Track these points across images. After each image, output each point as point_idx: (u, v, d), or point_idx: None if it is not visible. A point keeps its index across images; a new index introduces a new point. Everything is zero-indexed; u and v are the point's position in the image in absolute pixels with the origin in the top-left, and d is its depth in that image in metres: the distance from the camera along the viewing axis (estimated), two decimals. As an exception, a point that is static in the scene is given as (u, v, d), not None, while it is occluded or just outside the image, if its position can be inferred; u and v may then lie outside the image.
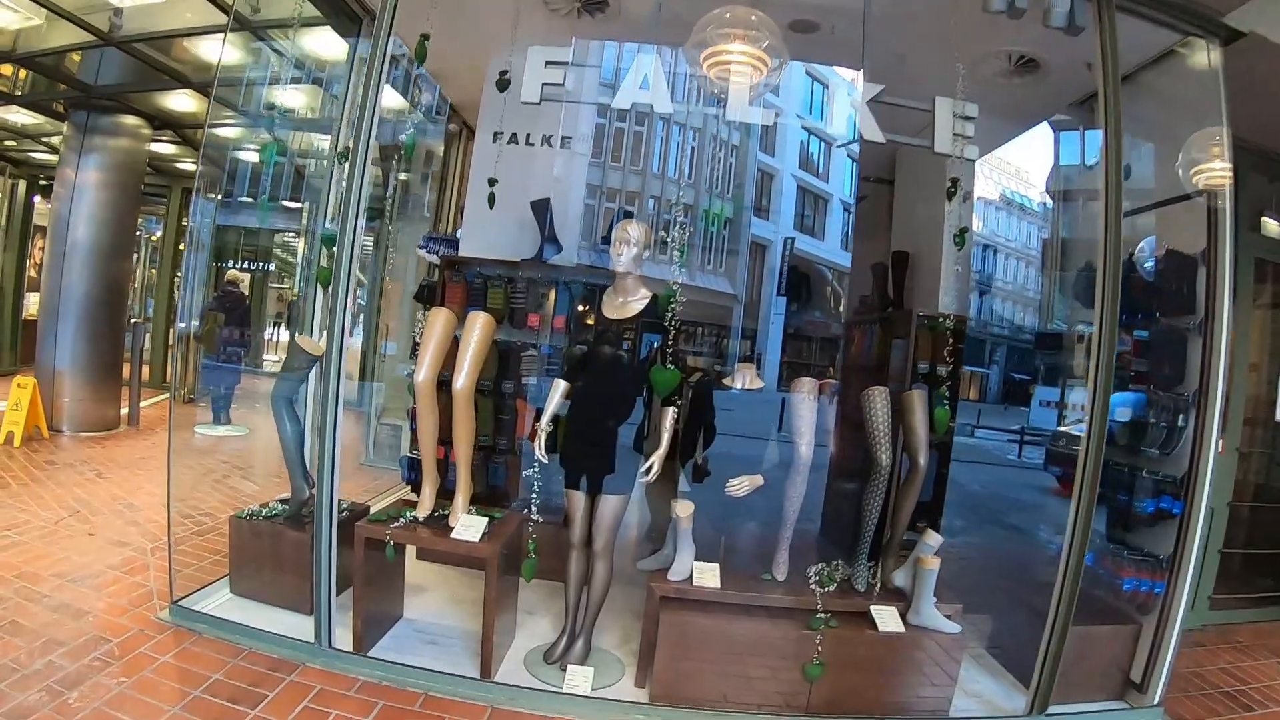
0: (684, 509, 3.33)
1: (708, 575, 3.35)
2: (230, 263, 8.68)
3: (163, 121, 7.74)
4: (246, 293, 8.47)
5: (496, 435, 4.42)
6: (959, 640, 3.35)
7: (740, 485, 3.29)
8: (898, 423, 3.48)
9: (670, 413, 3.26)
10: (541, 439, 3.32)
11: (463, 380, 3.27)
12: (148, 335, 9.61)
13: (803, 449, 3.32)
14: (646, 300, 3.30)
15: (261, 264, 10.23)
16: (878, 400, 3.43)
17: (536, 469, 3.36)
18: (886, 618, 3.33)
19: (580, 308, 4.27)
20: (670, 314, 3.21)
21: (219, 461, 6.57)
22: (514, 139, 4.77)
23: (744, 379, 3.48)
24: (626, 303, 3.31)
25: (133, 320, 8.94)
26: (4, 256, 10.15)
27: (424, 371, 3.29)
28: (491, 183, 3.96)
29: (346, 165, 3.22)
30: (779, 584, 3.45)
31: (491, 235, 4.66)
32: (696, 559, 3.39)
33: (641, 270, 3.34)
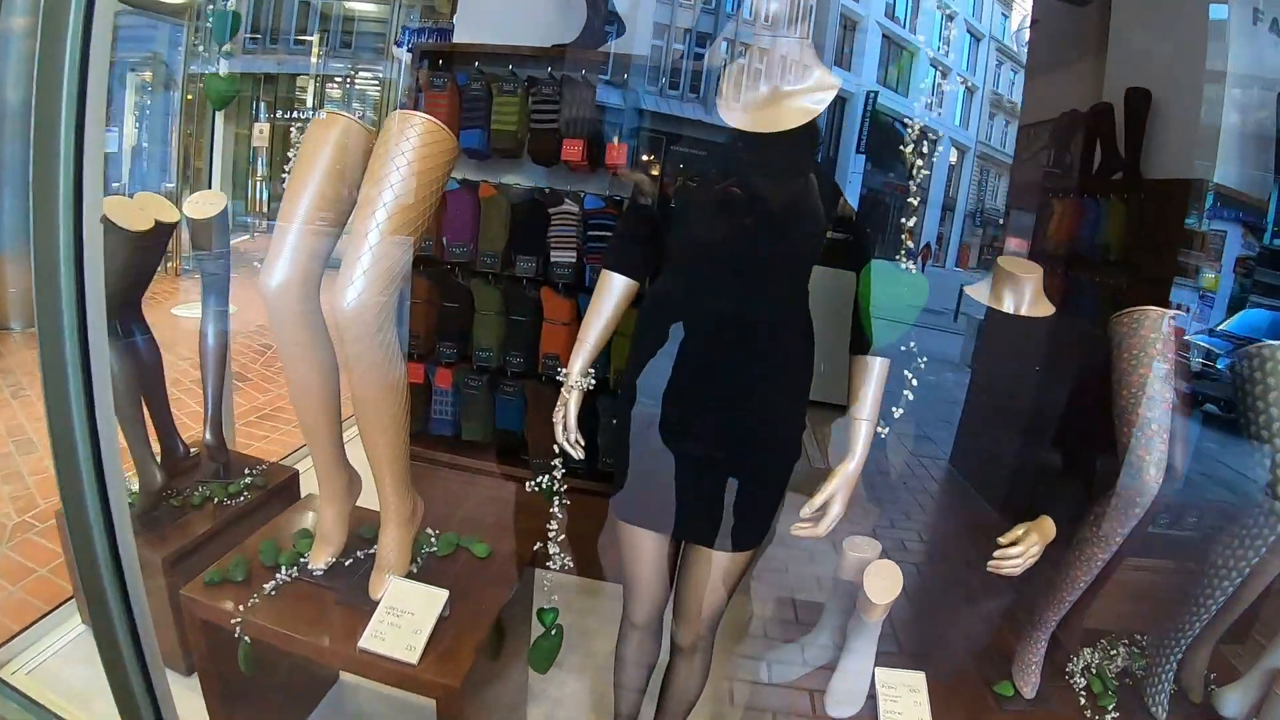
0: (880, 585, 1.39)
1: (912, 711, 1.48)
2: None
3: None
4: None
5: (506, 348, 2.49)
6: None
7: (1024, 552, 1.35)
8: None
9: (881, 369, 1.33)
10: (569, 411, 1.41)
11: (356, 289, 1.27)
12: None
13: (1150, 471, 1.35)
14: (831, 93, 1.24)
15: (282, 113, 8.20)
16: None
17: (558, 473, 1.45)
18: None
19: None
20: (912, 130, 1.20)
21: (180, 359, 4.74)
22: None
23: (1020, 297, 1.43)
24: (780, 97, 1.26)
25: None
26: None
27: (280, 266, 1.32)
28: None
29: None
30: (1024, 705, 1.61)
31: (503, 11, 2.53)
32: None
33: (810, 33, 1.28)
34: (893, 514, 2.19)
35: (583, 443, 1.41)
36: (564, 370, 1.41)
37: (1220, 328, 3.82)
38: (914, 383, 1.27)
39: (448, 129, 1.33)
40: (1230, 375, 1.58)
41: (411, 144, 1.29)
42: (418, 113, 1.30)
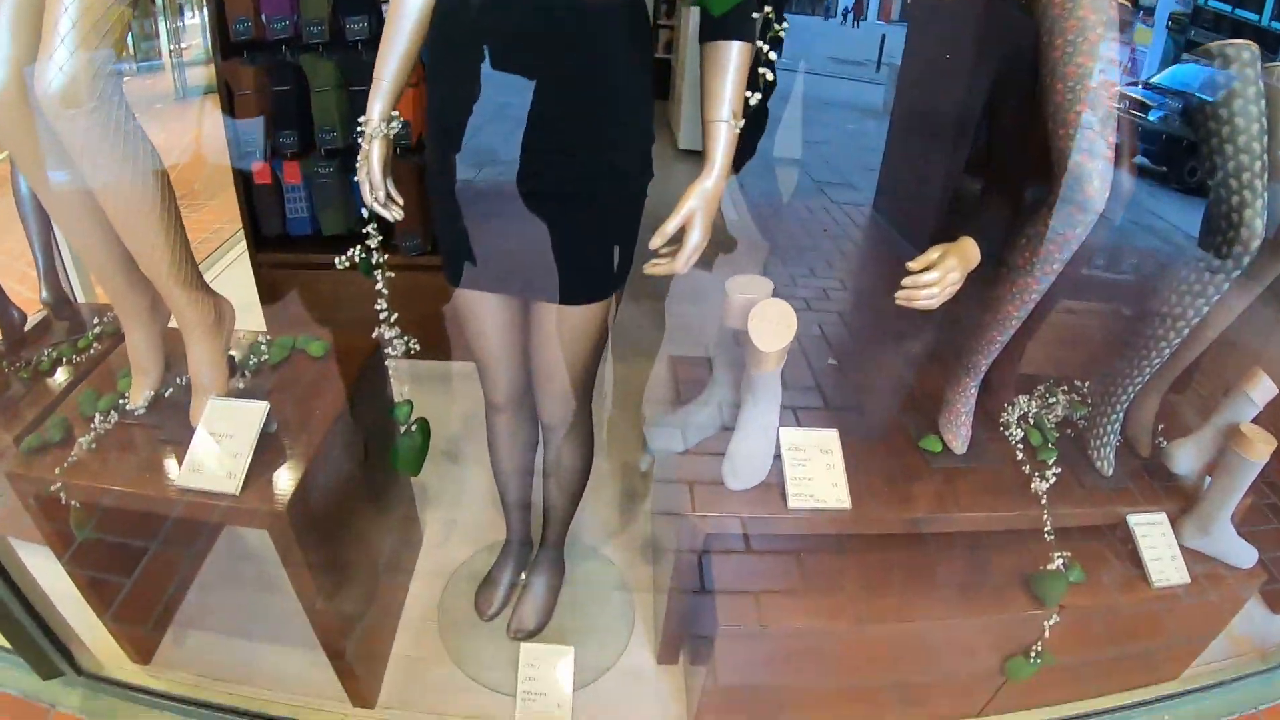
0: (768, 329, 1.14)
1: (823, 476, 1.29)
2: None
3: None
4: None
5: (350, 124, 2.14)
6: (1251, 577, 1.47)
7: (940, 279, 1.09)
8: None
9: (738, 56, 0.98)
10: (373, 165, 1.08)
11: (58, 63, 0.90)
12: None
13: (1094, 182, 1.09)
14: None
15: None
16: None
17: (371, 241, 1.18)
18: (1159, 547, 1.41)
19: None
20: None
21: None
22: None
23: None
24: None
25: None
26: None
27: None
28: None
29: None
30: (955, 461, 1.43)
31: None
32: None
33: None
34: (813, 262, 1.95)
35: (399, 201, 1.10)
36: (363, 119, 1.07)
37: (1153, 80, 3.50)
38: (771, 56, 0.95)
39: None
40: (1187, 117, 1.28)
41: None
42: None
